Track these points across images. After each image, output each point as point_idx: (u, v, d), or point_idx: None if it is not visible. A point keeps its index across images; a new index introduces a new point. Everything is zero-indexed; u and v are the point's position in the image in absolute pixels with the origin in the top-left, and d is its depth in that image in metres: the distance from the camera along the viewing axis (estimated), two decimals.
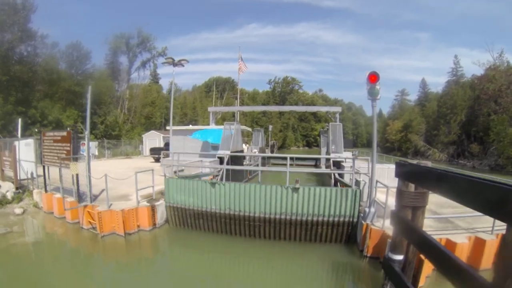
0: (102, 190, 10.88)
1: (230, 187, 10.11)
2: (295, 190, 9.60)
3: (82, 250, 8.99)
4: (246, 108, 53.71)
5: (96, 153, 29.51)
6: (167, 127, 26.44)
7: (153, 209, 10.37)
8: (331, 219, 9.61)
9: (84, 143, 9.53)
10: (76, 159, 9.47)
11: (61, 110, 31.68)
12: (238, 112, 37.98)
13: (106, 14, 64.57)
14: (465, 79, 48.97)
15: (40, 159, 11.34)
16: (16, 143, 12.78)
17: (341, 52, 75.99)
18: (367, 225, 8.67)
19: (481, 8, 56.31)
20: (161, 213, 10.79)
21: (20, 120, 14.14)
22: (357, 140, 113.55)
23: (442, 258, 4.08)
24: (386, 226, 8.16)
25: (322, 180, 21.32)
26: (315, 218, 9.64)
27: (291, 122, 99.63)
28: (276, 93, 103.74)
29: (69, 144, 9.58)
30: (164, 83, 58.61)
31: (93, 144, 28.19)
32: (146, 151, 33.89)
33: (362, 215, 9.36)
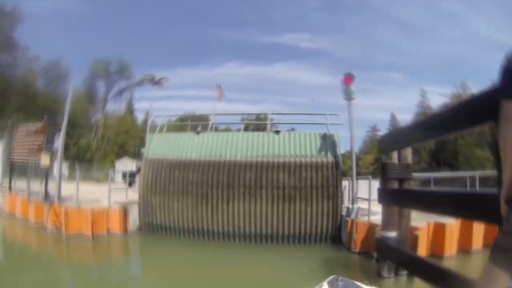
0: (71, 195, 10.15)
1: (214, 136, 10.05)
2: (277, 132, 9.84)
3: (45, 252, 8.04)
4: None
5: (67, 174, 27.69)
6: (142, 150, 25.65)
7: (125, 213, 9.66)
8: (314, 158, 9.28)
9: (59, 136, 8.95)
10: (48, 151, 8.84)
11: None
12: None
13: (88, 39, 64.50)
14: (432, 110, 52.51)
15: (8, 157, 10.51)
16: None
17: (316, 92, 79.53)
18: (352, 220, 8.49)
19: (450, 48, 62.53)
20: (133, 220, 10.00)
21: None
22: None
23: (438, 203, 4.05)
24: (372, 219, 8.06)
25: None
26: (297, 159, 9.28)
27: None
28: (248, 131, 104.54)
29: (42, 136, 8.98)
30: (139, 115, 57.57)
31: (64, 165, 26.58)
32: (118, 178, 32.07)
33: (345, 213, 9.17)
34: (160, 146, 10.22)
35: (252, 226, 9.06)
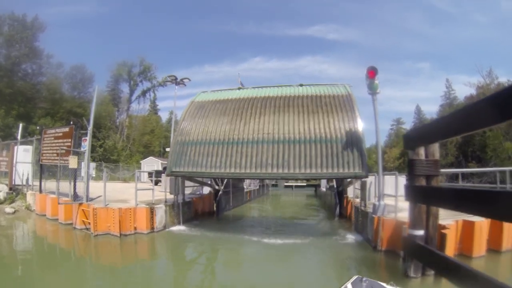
0: (99, 196, 10.53)
1: (251, 89, 12.51)
2: (300, 85, 12.11)
3: (73, 250, 8.43)
4: None
5: (94, 175, 28.75)
6: (167, 149, 26.35)
7: (152, 212, 9.90)
8: (331, 93, 11.21)
9: (86, 139, 9.32)
10: (76, 154, 9.22)
11: None
12: None
13: (111, 41, 66.80)
14: (458, 101, 50.13)
15: (38, 160, 11.08)
16: (15, 146, 12.56)
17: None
18: (378, 217, 8.29)
19: (479, 35, 59.17)
20: (160, 217, 10.28)
21: (21, 125, 14.02)
22: None
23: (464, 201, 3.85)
24: (399, 217, 7.80)
25: None
26: (317, 93, 11.30)
27: None
28: None
29: (70, 140, 9.39)
30: (163, 115, 59.07)
31: (91, 166, 27.62)
32: (144, 178, 32.65)
33: (371, 210, 9.02)
34: (205, 96, 12.52)
35: (281, 133, 9.95)
